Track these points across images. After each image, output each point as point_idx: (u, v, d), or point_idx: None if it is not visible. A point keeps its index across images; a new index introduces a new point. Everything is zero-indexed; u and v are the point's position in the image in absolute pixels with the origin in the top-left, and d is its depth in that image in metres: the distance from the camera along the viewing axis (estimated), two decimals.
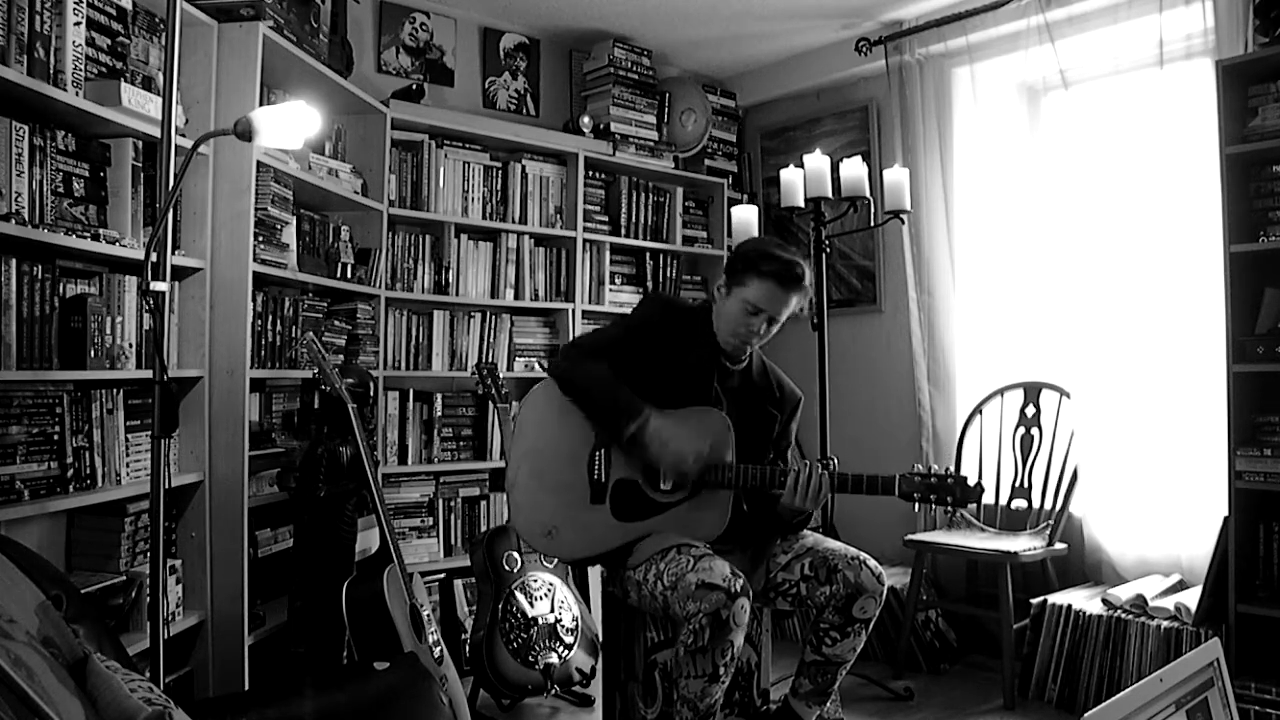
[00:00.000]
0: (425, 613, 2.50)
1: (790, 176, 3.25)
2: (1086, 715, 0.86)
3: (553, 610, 2.82)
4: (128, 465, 2.28)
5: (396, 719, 1.61)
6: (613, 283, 3.97)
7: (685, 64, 4.29)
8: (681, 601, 1.99)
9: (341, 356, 3.11)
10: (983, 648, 3.49)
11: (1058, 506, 3.20)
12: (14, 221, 1.94)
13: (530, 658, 2.72)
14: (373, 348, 3.23)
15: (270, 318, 2.77)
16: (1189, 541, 3.05)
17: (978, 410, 3.51)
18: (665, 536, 2.15)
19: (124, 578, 2.21)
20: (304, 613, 2.56)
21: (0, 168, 1.96)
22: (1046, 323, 3.48)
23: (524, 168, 3.74)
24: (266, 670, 2.58)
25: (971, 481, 2.09)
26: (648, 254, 4.11)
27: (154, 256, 1.86)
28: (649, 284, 4.10)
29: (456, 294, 3.54)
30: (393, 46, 3.63)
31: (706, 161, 4.31)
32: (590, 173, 3.91)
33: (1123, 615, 2.86)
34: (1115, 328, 3.25)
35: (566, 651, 2.80)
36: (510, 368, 3.68)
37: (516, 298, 3.69)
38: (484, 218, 3.64)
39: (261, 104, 2.62)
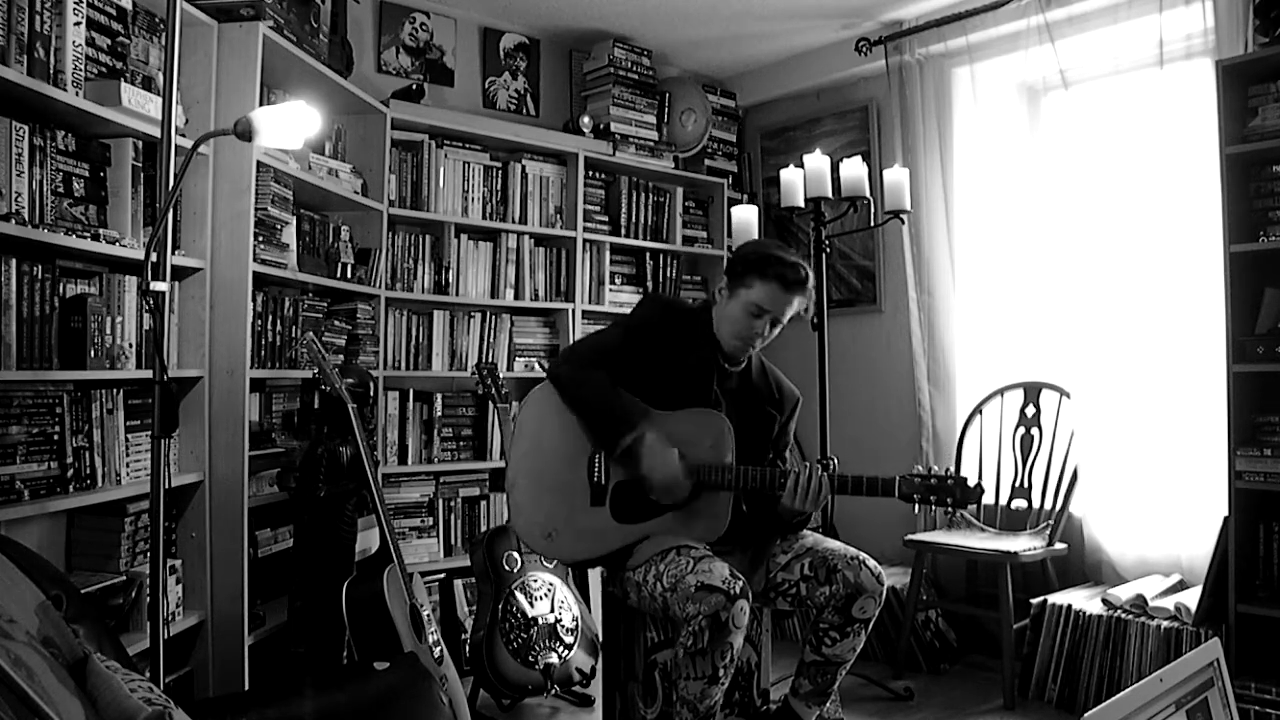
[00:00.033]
0: (425, 613, 2.50)
1: (790, 176, 3.25)
2: (1086, 715, 0.86)
3: (553, 610, 2.82)
4: (128, 465, 2.28)
5: (396, 719, 1.61)
6: (613, 283, 3.97)
7: (685, 64, 4.29)
8: (681, 603, 1.99)
9: (341, 356, 3.11)
10: (983, 648, 3.49)
11: (1058, 506, 3.20)
12: (14, 221, 1.94)
13: (530, 658, 2.72)
14: (373, 348, 3.23)
15: (270, 318, 2.77)
16: (1189, 541, 3.05)
17: (978, 410, 3.51)
18: (665, 538, 2.15)
19: (124, 578, 2.21)
20: (304, 613, 2.56)
21: (0, 168, 1.96)
22: (1046, 323, 3.48)
23: (524, 168, 3.74)
24: (266, 670, 2.58)
25: (971, 482, 2.08)
26: (648, 254, 4.11)
27: (154, 256, 1.86)
28: (649, 284, 4.10)
29: (456, 294, 3.54)
30: (393, 46, 3.63)
31: (706, 161, 4.31)
32: (590, 173, 3.91)
33: (1123, 615, 2.86)
34: (1115, 328, 3.25)
35: (566, 651, 2.80)
36: (510, 368, 3.68)
37: (516, 298, 3.69)
38: (484, 218, 3.64)
39: (261, 104, 2.62)
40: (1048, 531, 3.16)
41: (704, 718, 2.03)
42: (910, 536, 3.27)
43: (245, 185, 2.53)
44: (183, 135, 2.36)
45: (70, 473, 2.11)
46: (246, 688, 2.49)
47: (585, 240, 3.87)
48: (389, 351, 3.35)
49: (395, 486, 3.35)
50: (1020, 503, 3.33)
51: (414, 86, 3.40)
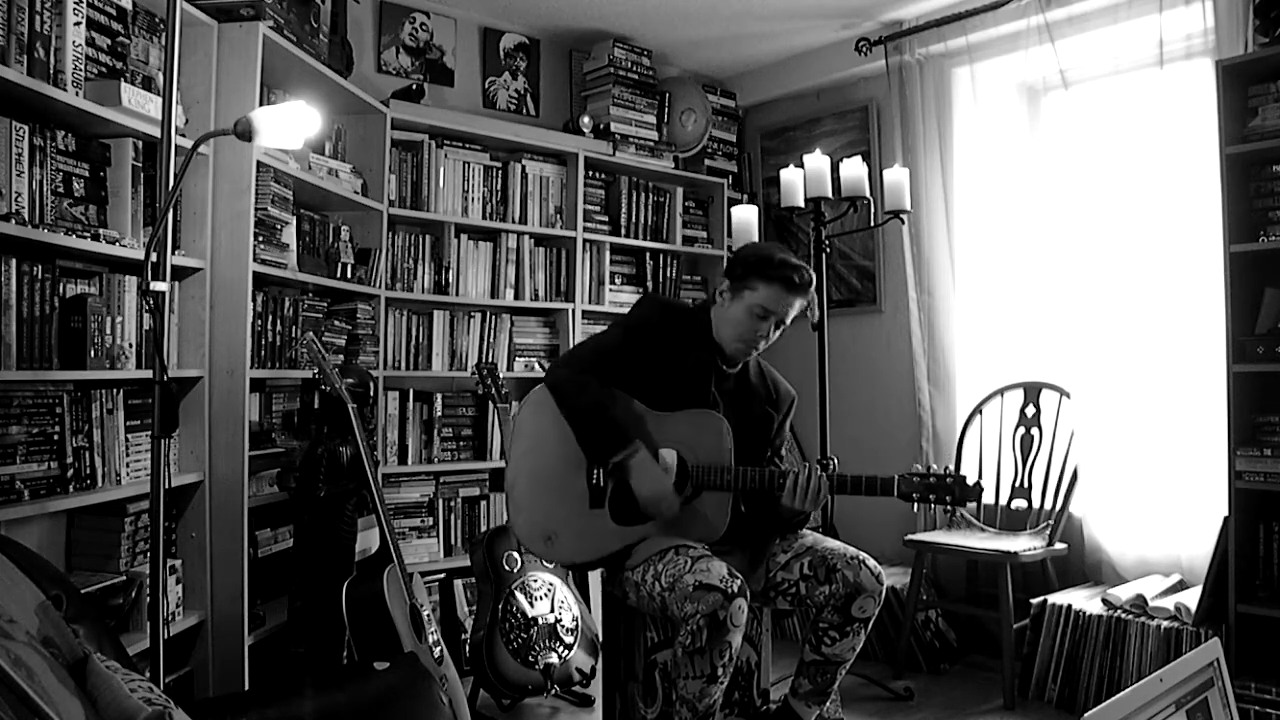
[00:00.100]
0: (425, 613, 2.50)
1: (790, 176, 3.25)
2: (1086, 715, 0.86)
3: (553, 610, 2.82)
4: (128, 465, 2.28)
5: (396, 719, 1.61)
6: (613, 283, 3.97)
7: (685, 64, 4.29)
8: (679, 602, 1.99)
9: (341, 356, 3.11)
10: (983, 648, 3.49)
11: (1058, 506, 3.20)
12: (14, 221, 1.94)
13: (530, 658, 2.72)
14: (373, 348, 3.23)
15: (270, 318, 2.77)
16: (1189, 541, 3.05)
17: (978, 410, 3.51)
18: (664, 538, 2.15)
19: (124, 578, 2.21)
20: (304, 613, 2.56)
21: (0, 168, 1.96)
22: (1046, 323, 3.48)
23: (524, 168, 3.74)
24: (266, 670, 2.58)
25: (970, 481, 2.09)
26: (648, 254, 4.11)
27: (154, 256, 1.86)
28: (649, 284, 4.10)
29: (456, 294, 3.54)
30: (393, 46, 3.63)
31: (706, 161, 4.31)
32: (590, 173, 3.91)
33: (1123, 615, 2.86)
34: (1115, 328, 3.24)
35: (566, 651, 2.80)
36: (510, 368, 3.68)
37: (516, 298, 3.69)
38: (484, 218, 3.64)
39: (261, 104, 2.62)
40: (1048, 531, 3.16)
41: (703, 717, 2.03)
42: (910, 536, 3.27)
43: (245, 185, 2.53)
44: (183, 135, 2.36)
45: (70, 473, 2.11)
46: (246, 688, 2.49)
47: (585, 240, 3.87)
48: (389, 351, 3.35)
49: (395, 486, 3.35)
50: (1020, 503, 3.33)
51: (414, 86, 3.40)
